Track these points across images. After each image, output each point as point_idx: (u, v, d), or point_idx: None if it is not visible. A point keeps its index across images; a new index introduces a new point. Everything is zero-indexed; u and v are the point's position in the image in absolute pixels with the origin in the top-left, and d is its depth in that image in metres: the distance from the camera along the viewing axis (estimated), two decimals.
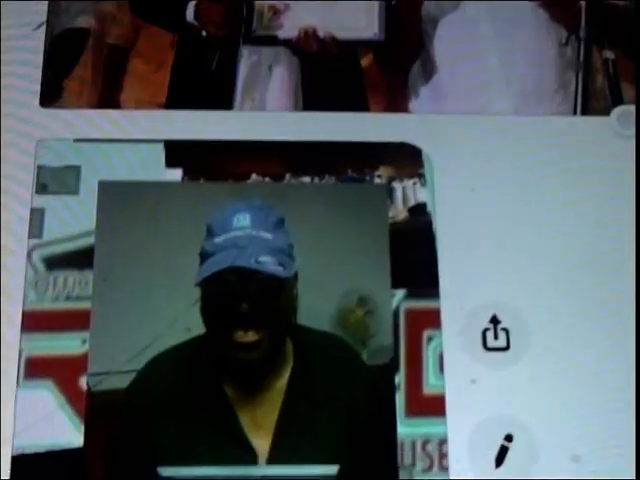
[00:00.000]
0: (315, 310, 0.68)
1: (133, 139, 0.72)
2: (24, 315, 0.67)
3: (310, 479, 0.63)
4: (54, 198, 0.70)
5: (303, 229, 0.68)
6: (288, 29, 0.78)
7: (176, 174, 0.71)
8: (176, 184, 0.71)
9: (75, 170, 0.71)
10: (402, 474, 0.64)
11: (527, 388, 0.67)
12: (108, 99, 0.75)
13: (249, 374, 0.66)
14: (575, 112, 0.76)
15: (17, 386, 0.65)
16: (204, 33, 0.78)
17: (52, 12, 0.76)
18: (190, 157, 0.72)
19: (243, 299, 0.65)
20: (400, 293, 0.68)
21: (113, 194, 0.70)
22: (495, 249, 0.70)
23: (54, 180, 0.70)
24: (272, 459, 0.65)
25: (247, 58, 0.77)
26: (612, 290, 0.69)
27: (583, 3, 0.78)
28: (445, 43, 0.78)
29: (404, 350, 0.67)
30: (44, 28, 0.75)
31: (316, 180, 0.72)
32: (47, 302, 0.68)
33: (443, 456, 0.65)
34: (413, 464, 0.65)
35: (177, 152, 0.72)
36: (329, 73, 0.77)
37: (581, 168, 0.73)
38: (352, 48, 0.78)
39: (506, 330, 0.68)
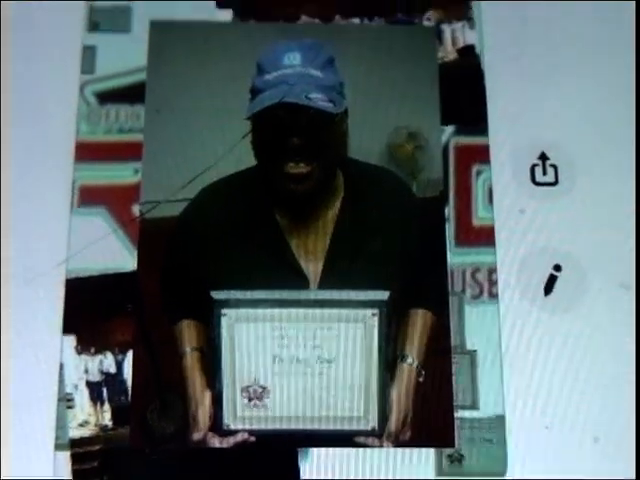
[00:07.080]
0: (365, 146, 0.69)
1: None
2: (77, 146, 0.68)
3: (361, 303, 0.63)
4: (106, 36, 0.71)
5: (353, 68, 0.68)
6: None
7: (227, 15, 0.72)
8: (227, 24, 0.72)
9: (127, 9, 0.72)
10: (452, 300, 0.65)
11: (575, 221, 0.67)
12: None
13: (300, 204, 0.67)
14: None
15: (71, 213, 0.66)
16: None
17: None
18: None
19: (294, 133, 0.65)
20: (449, 129, 0.69)
21: (164, 33, 0.71)
22: (543, 87, 0.70)
23: (106, 19, 0.71)
24: (323, 283, 0.65)
25: None
26: None
27: None
28: None
29: (453, 183, 0.68)
30: None
31: (365, 21, 0.72)
32: (100, 134, 0.69)
33: (492, 284, 0.66)
34: (463, 291, 0.66)
35: None
36: None
37: None
38: None
39: (555, 166, 0.69)
